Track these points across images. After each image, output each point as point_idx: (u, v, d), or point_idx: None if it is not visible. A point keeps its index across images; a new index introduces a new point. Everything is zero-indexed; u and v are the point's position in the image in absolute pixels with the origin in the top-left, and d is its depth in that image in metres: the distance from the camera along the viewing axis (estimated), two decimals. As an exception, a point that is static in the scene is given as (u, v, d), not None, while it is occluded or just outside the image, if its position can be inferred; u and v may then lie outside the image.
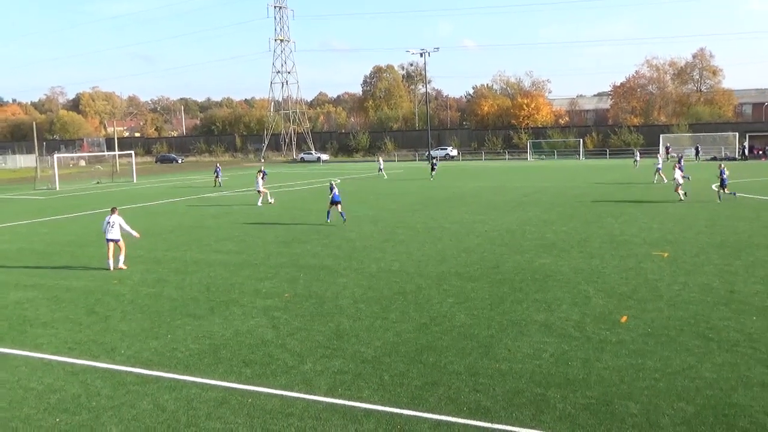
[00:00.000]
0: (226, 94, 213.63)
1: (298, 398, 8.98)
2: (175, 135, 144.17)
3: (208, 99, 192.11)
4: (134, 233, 18.87)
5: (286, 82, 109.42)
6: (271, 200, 34.26)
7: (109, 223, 18.09)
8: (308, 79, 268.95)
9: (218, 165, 54.61)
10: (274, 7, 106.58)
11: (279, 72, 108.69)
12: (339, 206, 25.54)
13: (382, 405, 8.69)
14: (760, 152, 70.31)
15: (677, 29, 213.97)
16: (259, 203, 33.63)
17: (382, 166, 58.92)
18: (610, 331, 11.45)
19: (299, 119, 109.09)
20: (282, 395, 9.10)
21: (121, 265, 17.99)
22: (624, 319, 12.16)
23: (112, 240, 18.05)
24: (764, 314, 12.21)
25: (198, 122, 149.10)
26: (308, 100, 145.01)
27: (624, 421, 8.06)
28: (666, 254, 18.05)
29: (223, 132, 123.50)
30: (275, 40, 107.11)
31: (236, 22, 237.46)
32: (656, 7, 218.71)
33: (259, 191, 34.15)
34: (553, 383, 9.25)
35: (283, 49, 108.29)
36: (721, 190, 30.16)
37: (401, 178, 54.74)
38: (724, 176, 30.01)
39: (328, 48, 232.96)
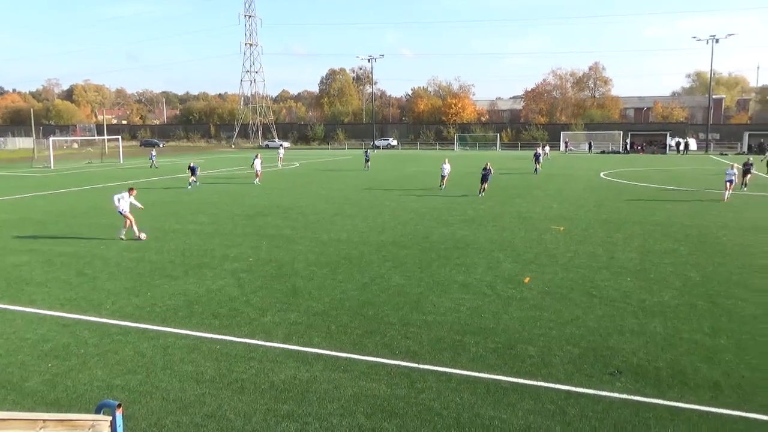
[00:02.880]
0: (203, 89, 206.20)
1: (258, 345, 8.91)
2: (158, 123, 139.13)
3: (187, 93, 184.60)
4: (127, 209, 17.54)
5: (254, 80, 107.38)
6: (257, 182, 33.72)
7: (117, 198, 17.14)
8: (273, 77, 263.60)
9: (153, 151, 52.24)
10: (245, 16, 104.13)
11: (248, 71, 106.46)
12: (195, 176, 31.59)
13: (329, 350, 8.70)
14: (639, 147, 72.73)
15: (578, 45, 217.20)
16: (257, 182, 33.55)
17: (281, 155, 49.38)
18: (516, 290, 11.71)
19: (265, 112, 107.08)
20: (245, 342, 9.01)
21: (137, 235, 16.93)
22: (527, 280, 12.45)
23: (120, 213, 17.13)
24: (636, 276, 12.70)
25: (177, 113, 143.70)
26: (273, 96, 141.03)
27: (524, 361, 8.30)
28: (562, 228, 18.52)
29: (199, 121, 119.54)
30: (245, 44, 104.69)
31: (212, 27, 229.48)
32: (563, 27, 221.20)
33: (257, 172, 34.24)
34: (469, 331, 9.43)
35: (252, 52, 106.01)
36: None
37: (328, 167, 54.21)
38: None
39: (290, 52, 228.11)
